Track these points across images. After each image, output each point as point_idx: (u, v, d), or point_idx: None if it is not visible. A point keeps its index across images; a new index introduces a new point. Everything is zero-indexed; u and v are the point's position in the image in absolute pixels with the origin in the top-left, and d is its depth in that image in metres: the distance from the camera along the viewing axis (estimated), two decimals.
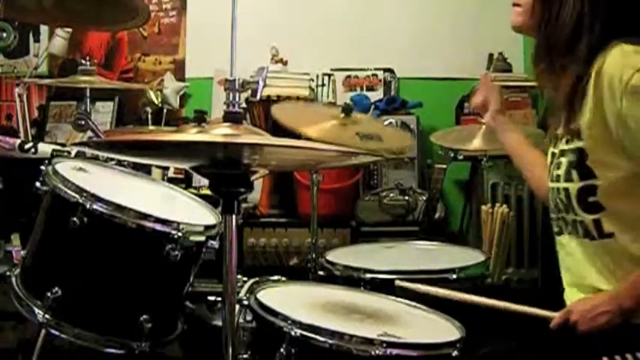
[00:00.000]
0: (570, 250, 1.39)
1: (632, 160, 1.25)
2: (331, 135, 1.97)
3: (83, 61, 2.35)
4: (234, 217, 1.16)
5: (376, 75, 3.60)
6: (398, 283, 1.62)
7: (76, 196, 1.59)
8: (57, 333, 1.59)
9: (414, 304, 1.57)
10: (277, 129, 2.03)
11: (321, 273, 1.95)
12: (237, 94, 1.22)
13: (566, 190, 1.35)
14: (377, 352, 1.25)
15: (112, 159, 1.98)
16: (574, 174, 1.33)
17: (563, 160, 1.36)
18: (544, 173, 1.50)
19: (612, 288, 1.30)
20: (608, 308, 1.26)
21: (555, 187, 1.39)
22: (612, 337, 1.26)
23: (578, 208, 1.33)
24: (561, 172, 1.36)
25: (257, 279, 1.63)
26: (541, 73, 1.43)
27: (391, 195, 3.13)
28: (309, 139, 1.92)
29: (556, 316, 1.32)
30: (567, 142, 1.36)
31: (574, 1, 1.31)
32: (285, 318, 1.33)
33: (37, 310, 1.59)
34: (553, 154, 1.43)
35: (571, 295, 1.41)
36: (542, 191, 1.53)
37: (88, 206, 1.57)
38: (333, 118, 2.07)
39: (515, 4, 1.44)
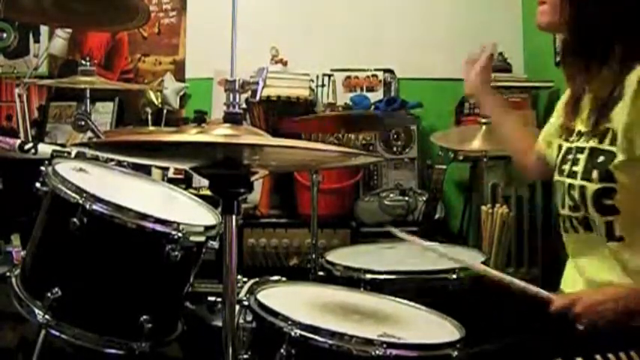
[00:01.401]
0: (578, 247, 1.39)
1: None
2: None
3: (83, 62, 2.35)
4: (234, 217, 1.16)
5: (376, 75, 3.60)
6: (393, 231, 1.60)
7: (76, 196, 1.59)
8: (57, 333, 1.58)
9: (413, 304, 1.57)
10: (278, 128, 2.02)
11: (321, 273, 1.95)
12: (237, 95, 1.22)
13: (583, 188, 1.33)
14: (377, 352, 1.25)
15: (112, 159, 1.98)
16: (594, 174, 1.31)
17: (582, 157, 1.35)
18: (529, 146, 1.54)
19: (622, 286, 1.30)
20: (614, 306, 1.25)
21: (569, 183, 1.38)
22: (606, 336, 1.26)
23: (592, 208, 1.32)
24: (579, 169, 1.35)
25: (257, 279, 1.63)
26: (570, 69, 1.43)
27: (391, 195, 3.13)
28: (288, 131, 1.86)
29: (555, 299, 1.32)
30: (589, 140, 1.35)
31: (608, 4, 1.31)
32: (285, 318, 1.33)
33: (37, 311, 1.58)
34: (568, 148, 1.42)
35: (578, 287, 1.41)
36: (527, 168, 1.59)
37: (88, 207, 1.57)
38: None
39: (541, 2, 1.42)
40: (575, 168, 1.37)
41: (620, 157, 1.28)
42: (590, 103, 1.38)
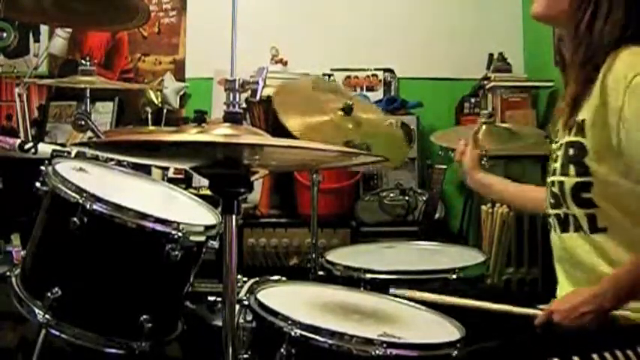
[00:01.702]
0: (564, 246, 1.39)
1: (630, 169, 1.25)
2: (318, 135, 1.96)
3: (83, 61, 2.34)
4: (234, 217, 1.15)
5: (376, 75, 3.61)
6: (393, 292, 1.62)
7: (76, 196, 1.59)
8: (57, 333, 1.58)
9: (413, 304, 1.57)
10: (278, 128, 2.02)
11: (321, 273, 1.95)
12: (237, 95, 1.22)
13: (561, 183, 1.34)
14: (377, 352, 1.25)
15: (111, 159, 1.98)
16: (571, 168, 1.32)
17: (560, 153, 1.36)
18: (537, 194, 1.53)
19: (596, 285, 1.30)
20: (589, 308, 1.26)
21: (551, 181, 1.39)
22: (602, 335, 1.26)
23: (571, 203, 1.33)
24: (558, 165, 1.36)
25: (257, 279, 1.63)
26: (567, 68, 1.44)
27: (391, 195, 3.13)
28: (288, 131, 1.91)
29: (540, 314, 1.32)
30: (567, 135, 1.35)
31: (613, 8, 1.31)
32: (286, 318, 1.33)
33: (37, 310, 1.59)
34: (553, 149, 1.43)
35: (564, 291, 1.41)
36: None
37: (88, 206, 1.57)
38: (332, 112, 2.06)
39: None
40: (555, 165, 1.38)
41: (589, 151, 1.29)
42: (568, 99, 1.38)
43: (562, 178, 1.35)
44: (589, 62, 1.31)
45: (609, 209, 1.30)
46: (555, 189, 1.37)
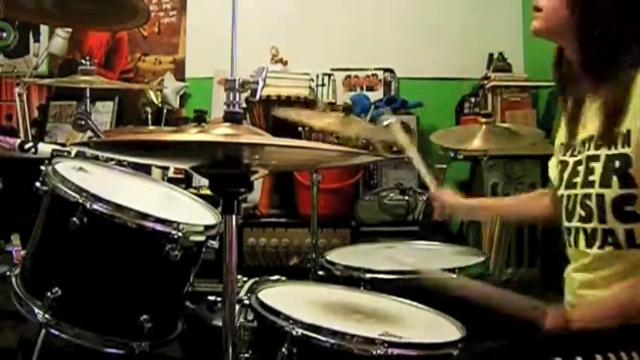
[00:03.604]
0: (590, 260, 1.36)
1: None
2: (336, 128, 1.97)
3: (83, 61, 2.35)
4: (234, 217, 1.15)
5: (376, 75, 3.61)
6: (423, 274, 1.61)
7: (76, 196, 1.59)
8: (57, 333, 1.58)
9: (414, 303, 1.57)
10: (278, 128, 2.03)
11: (321, 273, 1.95)
12: (237, 94, 1.22)
13: (601, 196, 1.31)
14: (378, 351, 1.25)
15: (112, 159, 1.98)
16: (614, 180, 1.29)
17: (598, 165, 1.33)
18: (534, 203, 1.51)
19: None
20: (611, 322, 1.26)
21: (582, 193, 1.36)
22: (606, 335, 1.26)
23: (610, 216, 1.30)
24: (596, 177, 1.32)
25: (257, 279, 1.63)
26: (570, 79, 1.43)
27: (391, 195, 3.13)
28: (313, 130, 1.92)
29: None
30: (600, 147, 1.33)
31: (614, 14, 1.31)
32: (287, 317, 1.33)
33: (37, 310, 1.58)
34: (577, 161, 1.40)
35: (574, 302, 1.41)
36: (550, 217, 1.55)
37: (88, 206, 1.57)
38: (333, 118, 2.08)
39: (536, 9, 1.41)
40: (591, 177, 1.34)
41: (635, 161, 1.27)
42: (600, 111, 1.36)
43: (602, 191, 1.31)
44: (609, 64, 1.30)
45: None
46: (591, 202, 1.33)
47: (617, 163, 1.30)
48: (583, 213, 1.36)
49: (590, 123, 1.39)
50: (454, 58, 3.62)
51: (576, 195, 1.38)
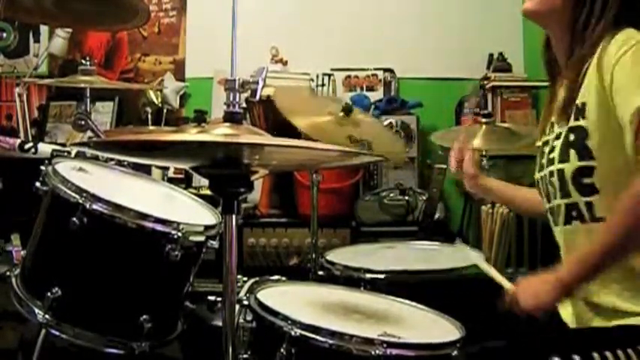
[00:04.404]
0: (566, 239, 1.39)
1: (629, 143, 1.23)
2: (323, 133, 1.98)
3: (83, 61, 2.35)
4: (234, 217, 1.15)
5: (376, 75, 3.61)
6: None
7: (76, 196, 1.59)
8: (57, 333, 1.58)
9: (414, 303, 1.57)
10: (275, 115, 2.03)
11: (321, 273, 1.95)
12: (237, 94, 1.22)
13: (561, 171, 1.33)
14: (377, 352, 1.25)
15: (112, 159, 1.98)
16: (572, 154, 1.31)
17: (558, 142, 1.35)
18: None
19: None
20: (549, 287, 1.25)
21: (548, 172, 1.38)
22: (604, 334, 1.26)
23: (572, 189, 1.32)
24: (556, 154, 1.34)
25: (257, 279, 1.63)
26: (553, 64, 1.45)
27: (391, 195, 3.13)
28: (298, 131, 1.92)
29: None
30: (565, 123, 1.34)
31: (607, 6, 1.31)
32: (286, 318, 1.33)
33: (37, 310, 1.58)
34: (545, 143, 1.42)
35: None
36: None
37: (88, 206, 1.57)
38: (331, 115, 2.07)
39: None
40: (552, 155, 1.36)
41: (591, 133, 1.28)
42: (564, 91, 1.37)
43: (561, 166, 1.33)
44: (585, 58, 1.31)
45: (610, 196, 1.27)
46: (554, 178, 1.35)
47: (571, 137, 1.31)
48: (552, 189, 1.37)
49: (558, 106, 1.40)
50: (454, 58, 3.62)
51: (545, 176, 1.40)
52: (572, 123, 1.32)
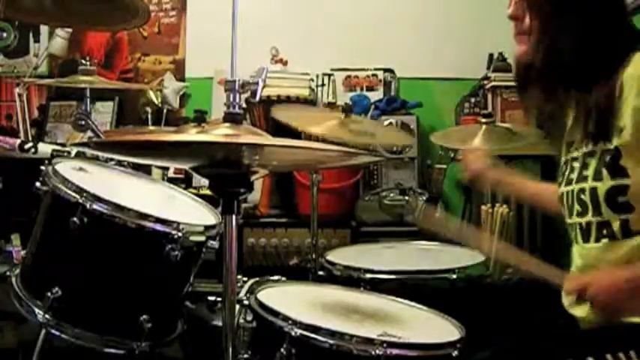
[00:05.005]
0: (592, 256, 1.37)
1: None
2: (333, 133, 1.98)
3: (83, 61, 2.34)
4: (234, 217, 1.16)
5: (376, 75, 3.60)
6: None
7: (76, 196, 1.59)
8: (57, 333, 1.59)
9: (414, 303, 1.57)
10: (279, 129, 2.03)
11: (321, 273, 1.95)
12: (237, 95, 1.22)
13: (594, 189, 1.32)
14: (377, 351, 1.25)
15: (112, 159, 1.98)
16: (604, 173, 1.31)
17: (592, 160, 1.34)
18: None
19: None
20: (625, 287, 1.24)
21: (578, 188, 1.37)
22: (617, 335, 1.26)
23: (605, 208, 1.31)
24: (589, 172, 1.34)
25: (257, 279, 1.63)
26: (537, 95, 1.43)
27: (391, 195, 3.13)
28: (311, 136, 1.92)
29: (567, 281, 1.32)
30: (595, 144, 1.34)
31: (574, 28, 1.32)
32: (286, 318, 1.33)
33: (37, 310, 1.59)
34: (573, 158, 1.42)
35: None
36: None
37: (88, 206, 1.57)
38: (333, 118, 2.08)
39: (519, 34, 1.41)
40: (585, 172, 1.35)
41: (624, 153, 1.27)
42: (588, 111, 1.36)
43: (594, 184, 1.32)
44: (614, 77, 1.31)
45: None
46: (585, 196, 1.35)
47: (607, 157, 1.31)
48: (579, 208, 1.37)
49: (578, 123, 1.40)
50: (454, 58, 3.62)
51: (572, 191, 1.39)
52: (604, 146, 1.31)
